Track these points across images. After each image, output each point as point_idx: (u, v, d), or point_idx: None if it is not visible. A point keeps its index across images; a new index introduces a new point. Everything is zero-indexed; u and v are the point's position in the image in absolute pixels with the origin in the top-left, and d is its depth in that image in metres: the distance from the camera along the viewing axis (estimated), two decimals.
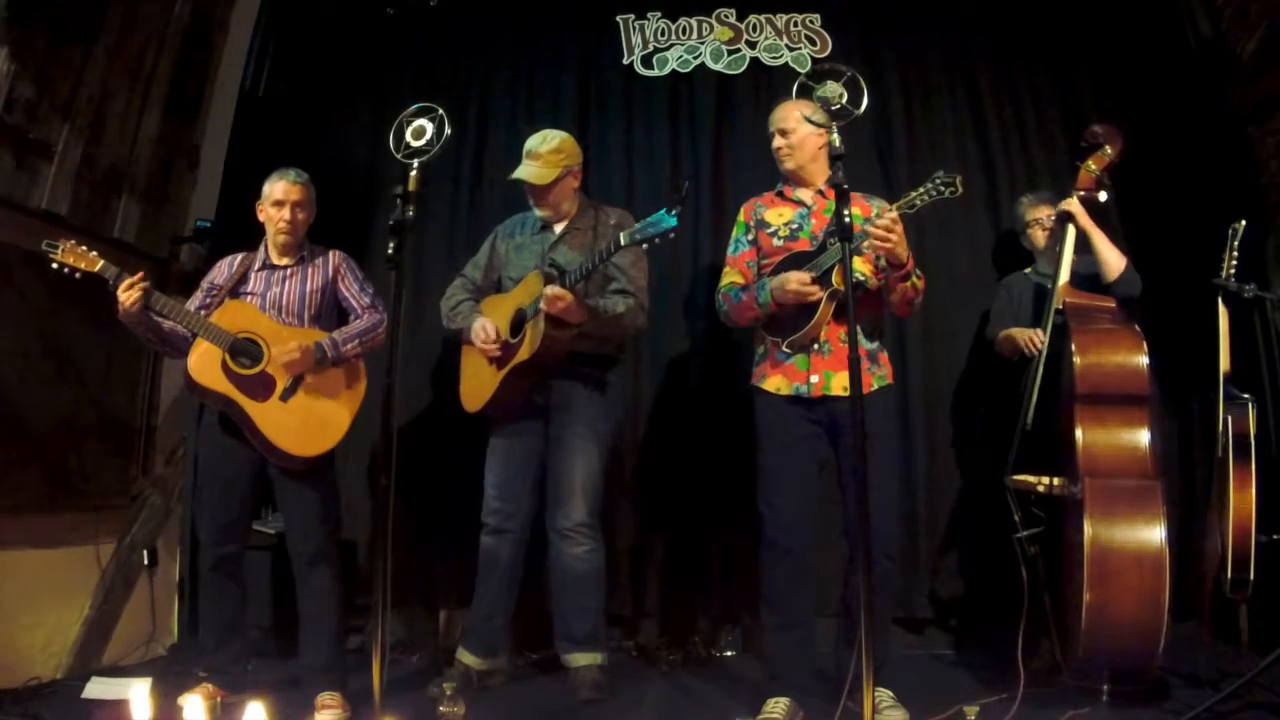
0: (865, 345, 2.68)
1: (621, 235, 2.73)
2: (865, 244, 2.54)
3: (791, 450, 2.71)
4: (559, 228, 3.12)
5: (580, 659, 2.97)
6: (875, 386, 2.70)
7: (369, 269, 3.20)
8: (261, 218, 2.97)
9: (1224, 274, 2.99)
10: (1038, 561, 2.77)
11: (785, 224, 2.83)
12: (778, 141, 2.85)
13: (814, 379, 2.68)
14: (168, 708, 1.99)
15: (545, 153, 3.03)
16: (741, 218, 2.94)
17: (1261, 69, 3.51)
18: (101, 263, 2.73)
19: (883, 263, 2.62)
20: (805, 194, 2.85)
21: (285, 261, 2.96)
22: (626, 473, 3.80)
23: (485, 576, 3.05)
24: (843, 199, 2.11)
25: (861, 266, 2.68)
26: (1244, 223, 3.02)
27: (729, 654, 3.52)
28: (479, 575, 3.07)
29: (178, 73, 3.76)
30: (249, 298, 2.92)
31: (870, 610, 1.97)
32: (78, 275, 2.73)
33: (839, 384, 2.64)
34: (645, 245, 2.71)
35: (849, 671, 2.51)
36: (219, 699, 2.69)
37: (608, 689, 2.94)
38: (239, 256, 3.01)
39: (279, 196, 2.92)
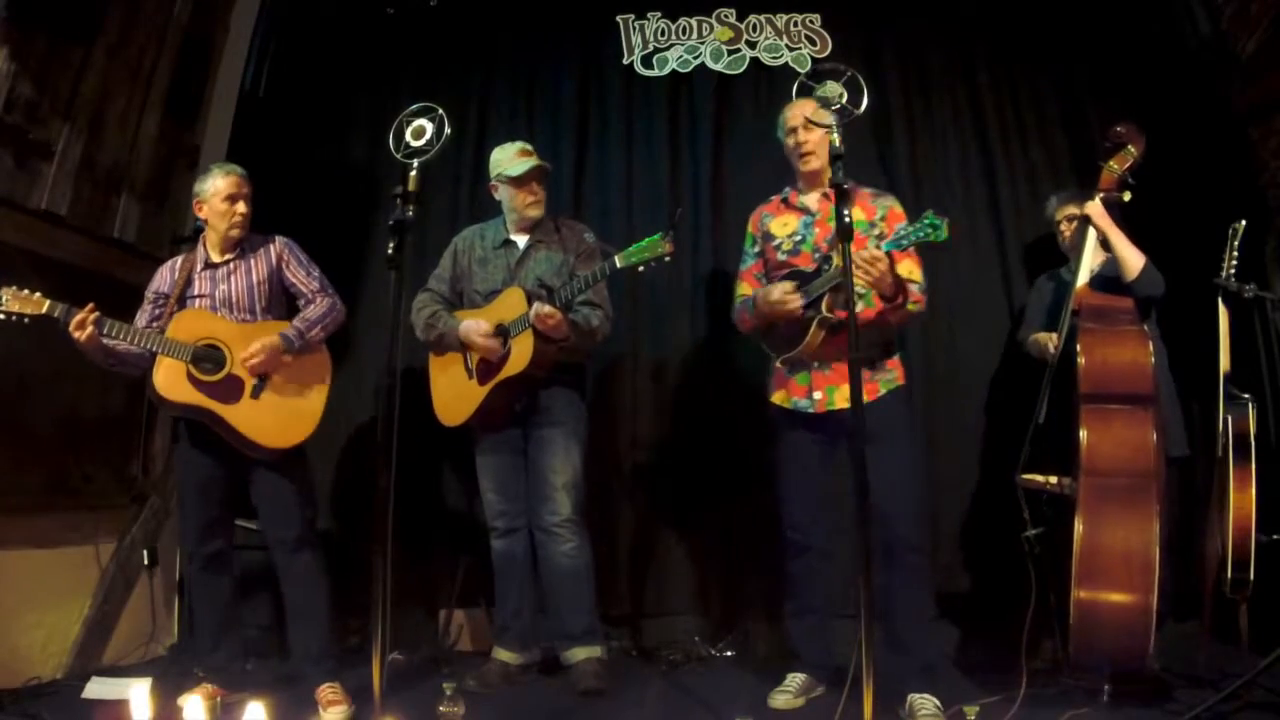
0: (865, 354, 2.62)
1: (617, 259, 2.79)
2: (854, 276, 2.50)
3: (800, 458, 2.76)
4: (522, 241, 3.17)
5: (579, 653, 3.01)
6: (883, 391, 2.69)
7: (369, 269, 3.20)
8: (204, 214, 2.92)
9: (1224, 274, 2.99)
10: (1043, 560, 2.77)
11: (789, 235, 2.81)
12: (801, 137, 2.78)
13: (816, 395, 2.71)
14: (168, 708, 1.99)
15: (530, 148, 3.17)
16: (750, 229, 2.95)
17: (1261, 69, 3.51)
18: (48, 303, 2.68)
19: (871, 294, 2.60)
20: (811, 199, 2.84)
21: (227, 257, 2.92)
22: (626, 473, 3.80)
23: (505, 576, 3.14)
24: (843, 199, 2.11)
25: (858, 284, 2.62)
26: (1244, 223, 3.02)
27: (729, 654, 3.51)
28: (497, 576, 3.16)
29: (178, 73, 3.75)
30: (197, 300, 2.89)
31: (870, 610, 1.98)
32: (26, 321, 2.67)
33: (842, 398, 2.65)
34: (641, 269, 2.77)
35: (895, 674, 2.57)
36: (218, 699, 2.68)
37: (608, 679, 2.96)
38: (178, 260, 2.98)
39: (231, 191, 2.88)
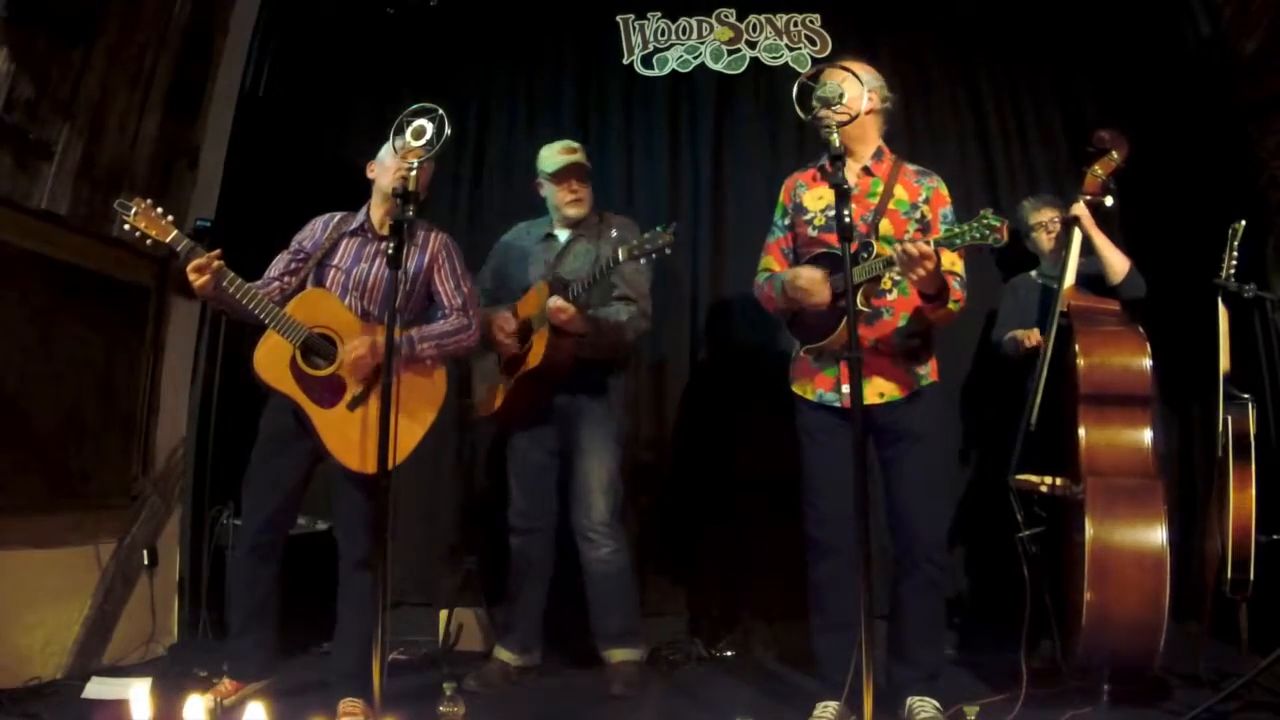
0: (902, 346, 2.55)
1: (620, 250, 2.79)
2: (894, 271, 2.39)
3: (830, 450, 2.54)
4: (564, 235, 3.17)
5: (617, 654, 3.02)
6: (915, 388, 2.57)
7: None
8: (373, 174, 2.78)
9: (1224, 274, 3.00)
10: (1039, 561, 2.77)
11: (823, 210, 2.58)
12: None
13: (845, 389, 2.49)
14: (168, 708, 1.98)
15: (575, 146, 3.18)
16: (781, 198, 2.75)
17: (1261, 69, 3.51)
18: (174, 233, 2.51)
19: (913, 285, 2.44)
20: (849, 171, 2.56)
21: (385, 231, 2.69)
22: (627, 473, 3.78)
23: (516, 576, 3.14)
24: (843, 199, 2.10)
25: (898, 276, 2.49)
26: (1244, 223, 3.02)
27: (729, 654, 3.52)
28: (510, 576, 3.16)
29: (178, 73, 3.75)
30: (332, 271, 2.72)
31: (870, 611, 1.98)
32: (148, 242, 2.52)
33: (874, 392, 2.50)
34: (643, 260, 2.80)
35: (896, 682, 2.54)
36: (220, 699, 2.67)
37: (640, 686, 2.96)
38: (335, 218, 2.80)
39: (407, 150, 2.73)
